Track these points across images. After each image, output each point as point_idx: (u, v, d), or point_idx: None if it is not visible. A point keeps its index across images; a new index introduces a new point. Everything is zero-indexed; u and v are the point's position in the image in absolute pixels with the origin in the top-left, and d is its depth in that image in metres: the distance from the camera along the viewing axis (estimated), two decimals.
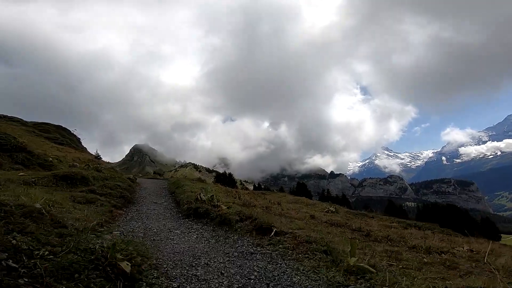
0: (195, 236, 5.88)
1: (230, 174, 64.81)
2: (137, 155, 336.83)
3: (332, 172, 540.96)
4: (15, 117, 48.34)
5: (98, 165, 14.56)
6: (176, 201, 11.32)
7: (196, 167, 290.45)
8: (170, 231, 6.31)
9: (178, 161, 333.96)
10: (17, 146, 15.59)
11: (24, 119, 49.52)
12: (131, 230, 6.04)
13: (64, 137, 46.41)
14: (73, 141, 48.46)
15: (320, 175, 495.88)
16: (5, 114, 49.77)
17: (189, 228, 6.62)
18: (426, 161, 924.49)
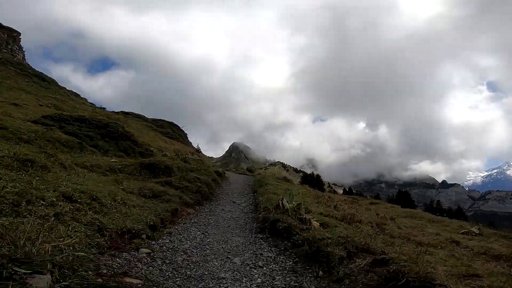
0: (259, 280, 3.54)
1: (318, 176, 61.57)
2: (235, 152, 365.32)
3: (444, 181, 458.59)
4: (140, 114, 58.26)
5: (186, 156, 14.23)
6: (255, 204, 9.40)
7: (284, 166, 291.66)
8: (228, 257, 4.15)
9: (268, 159, 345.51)
10: (123, 135, 16.91)
11: (146, 116, 59.91)
12: (171, 247, 4.21)
13: (174, 132, 53.13)
14: (180, 136, 54.40)
15: (427, 184, 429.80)
16: (132, 111, 61.24)
17: (256, 256, 4.28)
18: None
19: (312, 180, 51.83)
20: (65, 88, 52.07)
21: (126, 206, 5.01)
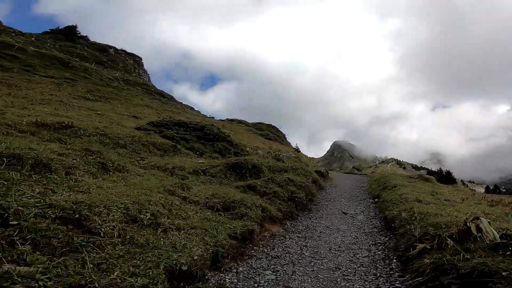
0: None
1: (448, 173, 48.97)
2: (337, 150, 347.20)
3: None
4: (242, 120, 60.88)
5: (280, 153, 12.15)
6: (383, 217, 6.19)
7: (399, 163, 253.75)
8: None
9: (378, 156, 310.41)
10: (219, 136, 16.45)
11: (248, 121, 63.75)
12: None
13: (272, 133, 54.00)
14: (279, 137, 54.50)
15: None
16: (236, 118, 66.17)
17: None
18: None
19: (441, 178, 44.07)
20: (181, 102, 60.63)
21: (170, 229, 3.08)
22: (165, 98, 51.41)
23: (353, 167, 71.46)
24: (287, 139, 60.49)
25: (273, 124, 61.86)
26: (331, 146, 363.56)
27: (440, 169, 58.52)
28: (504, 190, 75.42)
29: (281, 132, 60.82)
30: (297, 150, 44.18)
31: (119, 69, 56.64)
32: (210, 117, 54.74)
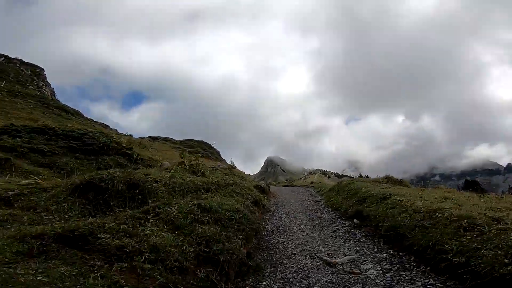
0: None
1: (367, 176, 52.79)
2: (270, 166, 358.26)
3: (509, 164, 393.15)
4: (168, 137, 54.15)
5: (197, 163, 7.59)
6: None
7: (324, 173, 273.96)
8: None
9: (306, 168, 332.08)
10: (110, 148, 11.06)
11: (176, 139, 56.50)
12: None
13: (205, 150, 48.91)
14: (213, 154, 50.54)
15: (490, 170, 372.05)
16: (161, 136, 58.42)
17: None
18: None
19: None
20: (92, 119, 50.08)
21: None
22: (68, 113, 41.35)
23: (285, 180, 71.34)
24: (222, 156, 56.04)
25: (205, 141, 57.46)
26: (264, 162, 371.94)
27: (360, 174, 61.61)
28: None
29: (215, 149, 57.17)
30: (232, 166, 40.14)
31: (7, 80, 45.34)
32: (127, 135, 46.41)
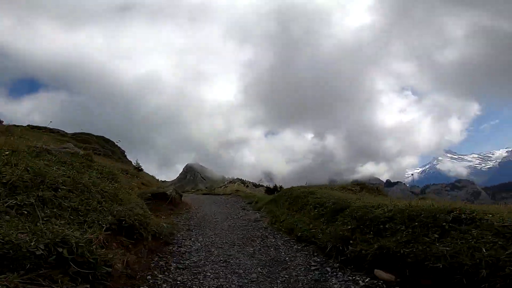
0: None
1: (281, 187, 55.56)
2: (190, 173, 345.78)
3: (388, 180, 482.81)
4: (56, 129, 44.72)
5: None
6: None
7: (243, 182, 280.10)
8: None
9: (226, 177, 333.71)
10: None
11: (67, 131, 46.88)
12: None
13: (104, 148, 42.01)
14: (115, 153, 43.71)
15: (374, 185, 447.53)
16: (50, 127, 47.74)
17: None
18: (500, 162, 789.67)
19: (274, 191, 53.44)
20: None
21: None
22: None
23: (205, 187, 70.39)
24: (127, 158, 48.77)
25: (106, 137, 49.21)
26: (183, 168, 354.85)
27: (275, 185, 64.50)
28: None
29: (119, 148, 49.43)
30: (138, 168, 33.44)
31: None
32: None
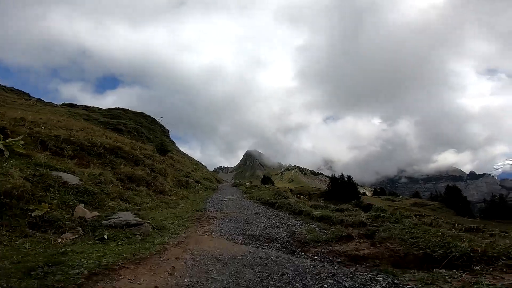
0: None
1: (349, 177, 44.99)
2: (249, 160, 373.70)
3: (472, 172, 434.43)
4: (92, 106, 41.61)
5: None
6: None
7: (301, 170, 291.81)
8: None
9: (283, 164, 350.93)
10: None
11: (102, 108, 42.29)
12: None
13: (139, 125, 33.83)
14: (153, 131, 36.80)
15: (454, 176, 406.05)
16: (87, 105, 43.06)
17: None
18: None
19: (342, 185, 40.59)
20: (44, 100, 38.82)
21: None
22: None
23: (264, 176, 65.98)
24: (171, 138, 45.60)
25: (147, 114, 44.06)
26: (243, 155, 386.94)
27: (342, 174, 47.34)
28: (379, 189, 77.59)
29: (161, 127, 43.46)
30: (162, 149, 21.24)
31: None
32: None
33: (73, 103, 42.91)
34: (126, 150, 11.86)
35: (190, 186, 14.41)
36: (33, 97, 38.81)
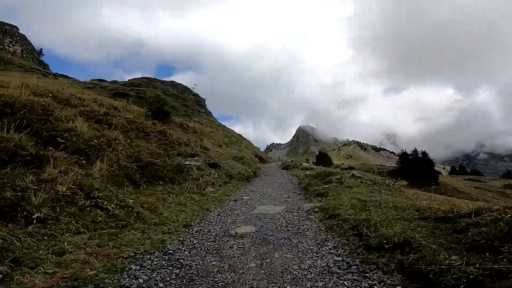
0: None
1: (424, 153, 38.41)
2: (302, 135, 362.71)
3: None
4: (112, 80, 33.06)
5: None
6: None
7: (360, 145, 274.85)
8: None
9: (339, 139, 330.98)
10: None
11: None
12: None
13: (165, 93, 27.27)
14: (184, 100, 30.38)
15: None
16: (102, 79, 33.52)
17: None
18: None
19: (415, 163, 34.44)
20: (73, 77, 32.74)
21: None
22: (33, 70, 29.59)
23: (319, 152, 61.17)
24: (208, 109, 33.82)
25: (178, 82, 35.95)
26: (296, 131, 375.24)
27: (416, 150, 40.42)
28: (457, 168, 67.69)
29: (196, 96, 33.98)
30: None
31: None
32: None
33: (103, 79, 35.92)
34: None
35: (187, 177, 6.83)
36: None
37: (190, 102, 30.64)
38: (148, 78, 34.08)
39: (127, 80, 33.93)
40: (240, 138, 25.25)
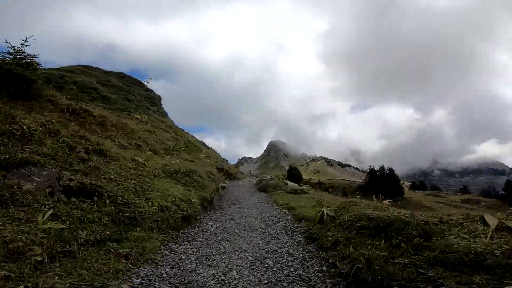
0: None
1: (390, 170, 39.63)
2: (273, 150, 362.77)
3: None
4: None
5: None
6: None
7: (327, 161, 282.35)
8: None
9: (308, 154, 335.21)
10: None
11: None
12: None
13: (102, 84, 22.60)
14: (130, 93, 24.42)
15: (495, 170, 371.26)
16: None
17: None
18: None
19: (382, 178, 36.06)
20: None
21: None
22: None
23: (290, 167, 57.25)
24: (168, 116, 26.49)
25: (125, 73, 28.64)
26: (267, 145, 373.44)
27: (383, 166, 41.87)
28: (419, 183, 71.49)
29: (145, 91, 27.25)
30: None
31: None
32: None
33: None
34: None
35: None
36: None
37: (137, 97, 25.68)
38: (85, 66, 27.96)
39: (65, 66, 26.26)
40: (199, 146, 20.19)
